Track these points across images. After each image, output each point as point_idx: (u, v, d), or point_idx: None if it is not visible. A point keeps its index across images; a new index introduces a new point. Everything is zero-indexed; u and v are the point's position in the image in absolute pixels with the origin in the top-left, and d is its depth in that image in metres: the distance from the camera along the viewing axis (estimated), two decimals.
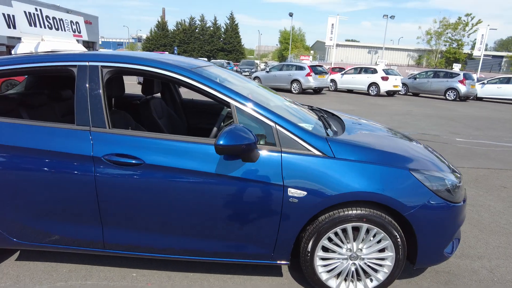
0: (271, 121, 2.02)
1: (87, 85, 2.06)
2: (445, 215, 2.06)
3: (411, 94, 19.27)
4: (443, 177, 2.12)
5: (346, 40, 52.78)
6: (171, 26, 60.60)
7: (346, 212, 2.01)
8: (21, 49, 4.59)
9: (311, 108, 3.22)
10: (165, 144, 1.98)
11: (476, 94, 17.91)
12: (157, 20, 61.65)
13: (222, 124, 2.77)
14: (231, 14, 60.05)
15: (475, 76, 18.46)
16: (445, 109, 13.35)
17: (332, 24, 29.94)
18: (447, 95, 17.12)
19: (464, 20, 38.33)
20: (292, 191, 1.95)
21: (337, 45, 35.23)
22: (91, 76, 2.07)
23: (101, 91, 2.05)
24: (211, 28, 59.24)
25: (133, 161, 1.95)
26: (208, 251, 2.12)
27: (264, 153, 1.97)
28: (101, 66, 2.09)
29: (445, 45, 39.89)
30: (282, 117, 2.05)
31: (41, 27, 4.82)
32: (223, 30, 59.55)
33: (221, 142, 1.77)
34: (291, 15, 39.31)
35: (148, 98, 3.10)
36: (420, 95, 19.18)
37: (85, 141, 1.99)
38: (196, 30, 59.10)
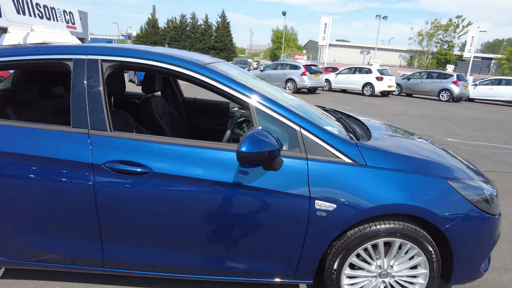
0: (295, 124, 1.79)
1: (85, 82, 1.79)
2: (483, 228, 1.88)
3: (404, 94, 19.28)
4: (480, 186, 1.93)
5: (337, 40, 52.88)
6: (161, 24, 59.88)
7: (378, 226, 1.80)
8: (7, 40, 4.19)
9: (325, 110, 3.01)
10: (175, 150, 1.73)
11: (468, 95, 18.01)
12: (147, 17, 60.69)
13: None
14: (222, 12, 59.56)
15: (471, 78, 18.55)
16: (440, 110, 13.33)
17: (325, 24, 29.88)
18: (440, 96, 17.16)
19: (455, 22, 38.76)
20: (319, 204, 1.73)
21: (330, 45, 35.23)
22: (89, 72, 1.81)
23: (101, 88, 1.79)
24: (202, 26, 58.66)
25: (139, 169, 1.70)
26: (223, 270, 1.88)
27: (288, 160, 1.74)
28: (101, 60, 1.83)
29: (436, 47, 40.27)
30: (307, 120, 1.83)
31: (30, 15, 4.40)
32: (214, 28, 59.05)
33: (243, 149, 1.54)
34: (284, 14, 39.13)
35: (148, 96, 2.84)
36: (414, 95, 19.21)
37: (82, 145, 1.73)
38: (187, 28, 58.45)
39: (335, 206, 1.73)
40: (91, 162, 1.70)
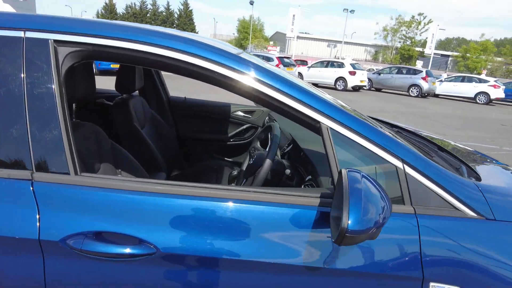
0: (396, 158, 1.09)
1: (22, 78, 0.97)
2: None
3: (374, 89, 19.30)
4: None
5: (300, 33, 52.92)
6: (120, 9, 56.60)
7: None
8: None
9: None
10: (203, 208, 0.97)
11: (435, 91, 18.39)
12: (104, 2, 56.70)
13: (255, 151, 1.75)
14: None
15: (445, 75, 18.89)
16: (414, 106, 13.30)
17: (294, 16, 29.45)
18: (410, 91, 17.30)
19: (417, 19, 40.00)
20: None
21: (298, 37, 34.94)
22: (30, 61, 0.98)
23: (54, 91, 0.98)
24: (164, 13, 56.20)
25: (131, 251, 0.92)
26: None
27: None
28: (55, 40, 1.00)
29: (399, 42, 41.45)
30: (411, 150, 1.14)
31: None
32: (176, 16, 56.78)
33: (350, 223, 0.81)
34: (251, 3, 38.08)
35: (125, 97, 2.02)
36: (383, 90, 19.28)
37: (18, 205, 0.91)
38: (148, 15, 55.74)
39: None
40: (38, 238, 0.89)
